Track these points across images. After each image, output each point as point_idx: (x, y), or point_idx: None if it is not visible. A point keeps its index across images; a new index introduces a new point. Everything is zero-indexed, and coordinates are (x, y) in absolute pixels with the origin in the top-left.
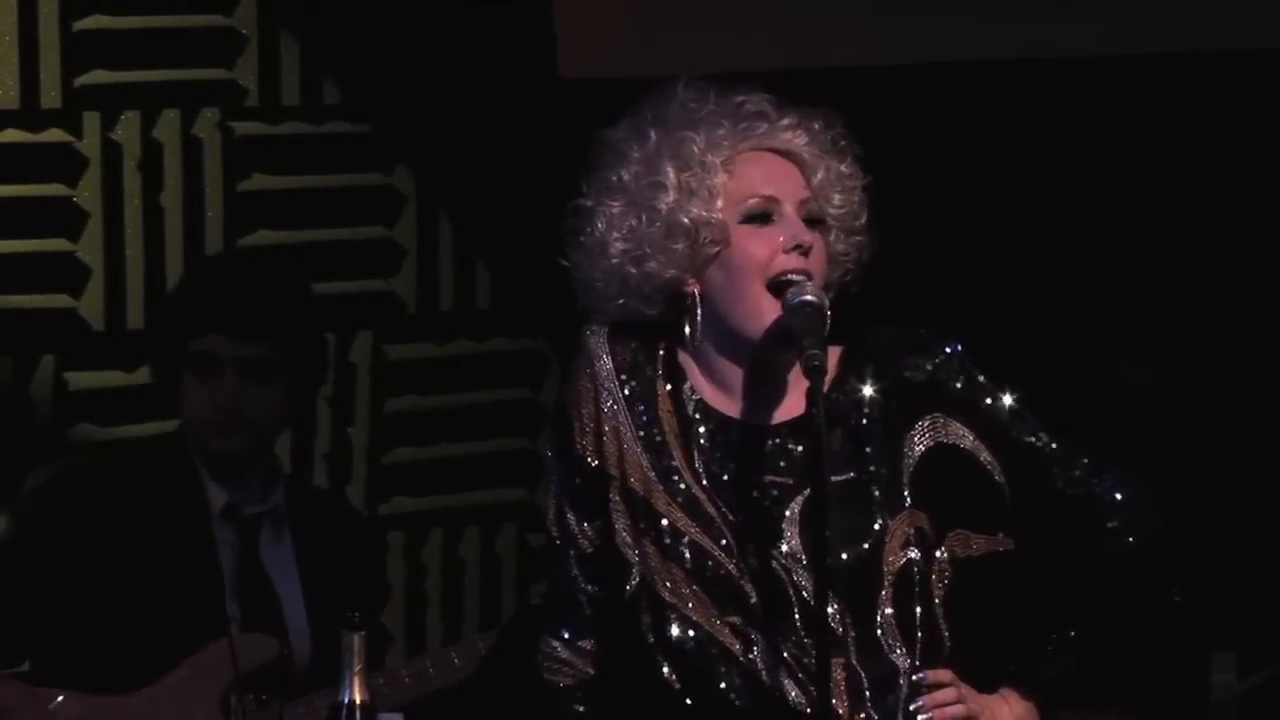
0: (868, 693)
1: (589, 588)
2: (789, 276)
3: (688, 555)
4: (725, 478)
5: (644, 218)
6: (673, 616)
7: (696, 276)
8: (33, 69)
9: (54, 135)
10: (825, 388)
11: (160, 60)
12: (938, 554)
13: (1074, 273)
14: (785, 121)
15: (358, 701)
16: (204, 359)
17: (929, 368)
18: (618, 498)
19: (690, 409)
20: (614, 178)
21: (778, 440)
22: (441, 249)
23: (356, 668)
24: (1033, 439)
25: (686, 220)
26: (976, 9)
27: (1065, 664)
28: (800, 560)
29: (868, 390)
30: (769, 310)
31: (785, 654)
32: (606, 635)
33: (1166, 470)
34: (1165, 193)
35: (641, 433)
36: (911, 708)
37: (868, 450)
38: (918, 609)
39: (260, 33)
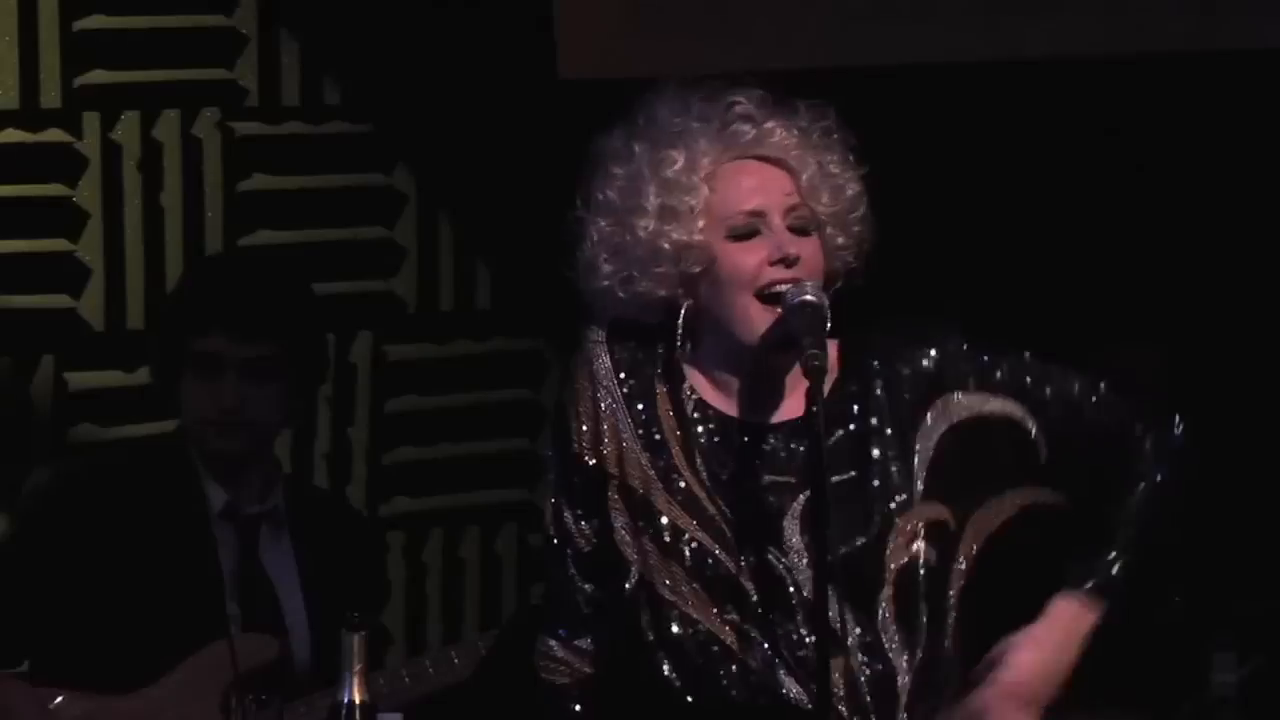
0: (867, 692)
1: (586, 587)
2: (777, 289)
3: (688, 553)
4: (725, 477)
5: (628, 238)
6: (673, 614)
7: (688, 292)
8: (33, 69)
9: (54, 135)
10: (826, 388)
11: (160, 60)
12: (960, 546)
13: (1071, 271)
14: (770, 125)
15: (358, 701)
16: (205, 359)
17: (932, 354)
18: (617, 496)
19: (690, 408)
20: (599, 195)
21: (778, 439)
22: (441, 249)
23: (356, 668)
24: (1061, 381)
25: (668, 246)
26: (977, 9)
27: (1109, 574)
28: (801, 559)
29: (870, 389)
30: (762, 319)
31: (785, 652)
32: (604, 634)
33: None
34: (1163, 192)
35: (641, 432)
36: None
37: (872, 449)
38: (922, 607)
39: (260, 33)
